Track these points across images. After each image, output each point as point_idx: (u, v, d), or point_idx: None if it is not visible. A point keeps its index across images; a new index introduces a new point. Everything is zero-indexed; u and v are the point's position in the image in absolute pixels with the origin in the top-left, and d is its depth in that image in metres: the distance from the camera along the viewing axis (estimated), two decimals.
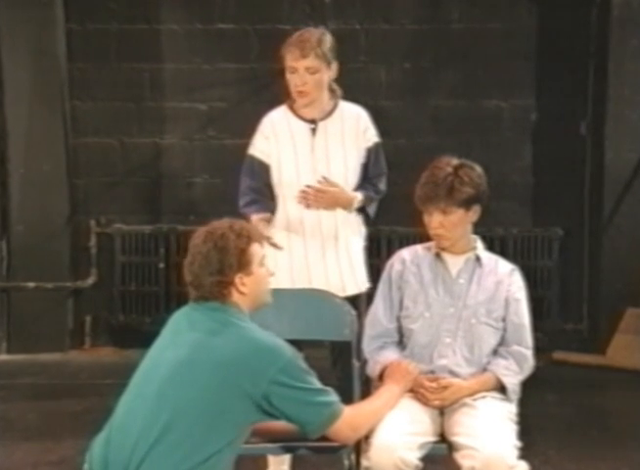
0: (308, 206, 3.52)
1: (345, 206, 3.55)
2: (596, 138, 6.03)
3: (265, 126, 3.60)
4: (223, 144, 6.11)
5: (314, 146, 3.56)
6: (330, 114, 3.59)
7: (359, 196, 3.58)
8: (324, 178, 3.52)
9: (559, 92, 6.06)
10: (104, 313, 6.18)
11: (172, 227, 6.14)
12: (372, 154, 3.62)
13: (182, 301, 2.74)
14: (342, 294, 3.44)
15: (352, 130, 3.59)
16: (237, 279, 2.52)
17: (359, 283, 3.63)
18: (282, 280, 3.38)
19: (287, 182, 3.56)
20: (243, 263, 2.53)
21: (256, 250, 2.56)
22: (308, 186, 3.51)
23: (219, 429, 2.42)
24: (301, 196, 3.52)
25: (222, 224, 2.57)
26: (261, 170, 3.57)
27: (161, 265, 6.12)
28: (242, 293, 2.53)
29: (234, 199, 3.75)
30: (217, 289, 2.52)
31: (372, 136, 3.63)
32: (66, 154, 6.05)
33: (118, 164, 6.21)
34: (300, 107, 3.56)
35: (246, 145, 3.68)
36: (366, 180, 3.62)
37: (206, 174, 6.22)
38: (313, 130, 3.57)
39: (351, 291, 3.59)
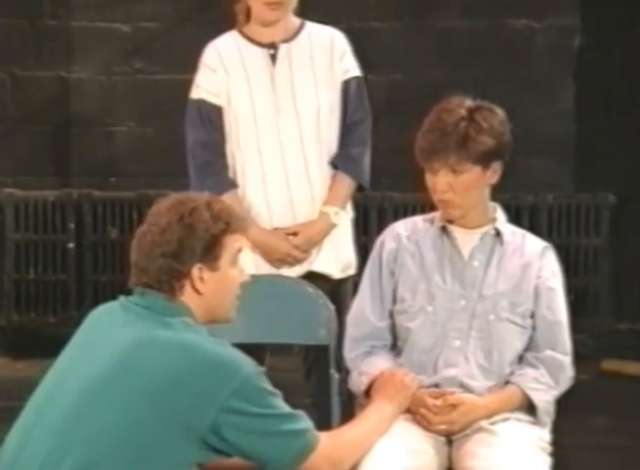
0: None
1: (331, 229, 3.63)
2: None
3: (210, 57, 3.65)
4: (155, 80, 6.13)
5: (275, 77, 3.62)
6: (294, 36, 3.65)
7: (333, 211, 3.62)
8: (291, 234, 3.60)
9: (612, 8, 6.10)
10: None
11: (86, 193, 6.16)
12: (351, 91, 3.66)
13: (100, 294, 2.76)
14: (323, 281, 3.54)
15: (325, 57, 3.64)
16: (195, 270, 2.53)
17: (344, 266, 3.70)
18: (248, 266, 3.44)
19: (242, 130, 3.60)
20: (209, 254, 2.53)
21: (232, 243, 2.57)
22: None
23: None
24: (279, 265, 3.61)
25: (199, 197, 2.58)
26: (214, 117, 3.61)
27: (71, 245, 6.15)
28: (197, 291, 2.54)
29: (170, 154, 3.78)
30: (166, 278, 2.52)
31: (351, 67, 3.68)
32: None
33: (8, 105, 6.22)
34: (263, 25, 3.61)
35: (186, 82, 3.71)
36: (342, 131, 3.65)
37: (132, 121, 6.24)
38: (273, 57, 3.63)
39: (336, 276, 3.66)
